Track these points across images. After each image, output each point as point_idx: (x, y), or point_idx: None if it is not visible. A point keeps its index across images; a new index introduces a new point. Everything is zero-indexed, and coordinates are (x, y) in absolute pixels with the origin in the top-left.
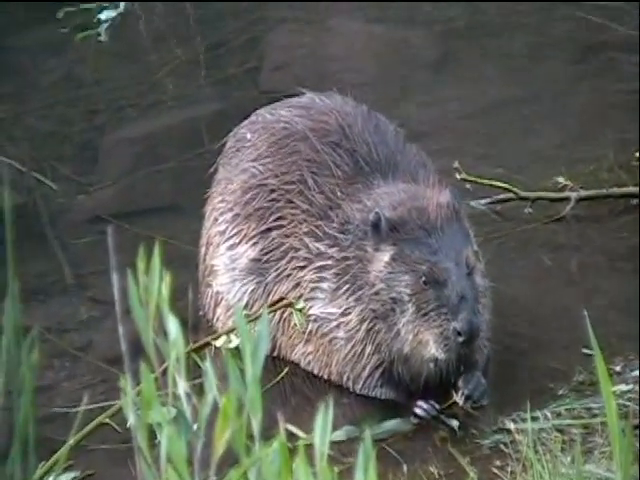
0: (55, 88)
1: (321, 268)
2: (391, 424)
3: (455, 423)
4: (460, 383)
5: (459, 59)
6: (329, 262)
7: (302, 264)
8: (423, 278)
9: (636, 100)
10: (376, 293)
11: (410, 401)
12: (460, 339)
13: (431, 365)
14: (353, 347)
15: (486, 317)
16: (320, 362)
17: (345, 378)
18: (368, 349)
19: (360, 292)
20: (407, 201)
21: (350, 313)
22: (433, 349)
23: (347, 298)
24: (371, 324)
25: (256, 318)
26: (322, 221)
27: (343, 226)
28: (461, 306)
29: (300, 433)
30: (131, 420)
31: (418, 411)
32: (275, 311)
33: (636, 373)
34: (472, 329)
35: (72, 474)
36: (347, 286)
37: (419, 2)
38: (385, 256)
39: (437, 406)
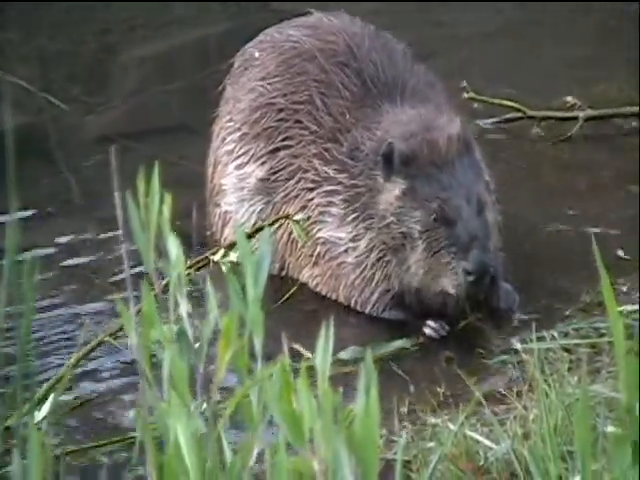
0: (66, 8)
1: (330, 193)
2: (397, 343)
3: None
4: (491, 300)
5: None
6: (338, 187)
7: (310, 186)
8: (434, 215)
9: None
10: (386, 226)
11: (419, 321)
12: (470, 278)
13: (441, 299)
14: (362, 272)
15: (498, 253)
16: (328, 285)
17: (353, 302)
18: (377, 275)
19: (370, 221)
20: (418, 132)
21: (359, 240)
22: (443, 285)
23: (356, 225)
24: (380, 254)
25: (256, 232)
26: (331, 144)
27: (352, 152)
28: (471, 245)
29: (305, 352)
30: (132, 339)
31: (427, 330)
32: (276, 226)
33: None
34: (482, 269)
35: (73, 394)
36: (356, 214)
37: None
38: (396, 189)
39: (446, 327)
